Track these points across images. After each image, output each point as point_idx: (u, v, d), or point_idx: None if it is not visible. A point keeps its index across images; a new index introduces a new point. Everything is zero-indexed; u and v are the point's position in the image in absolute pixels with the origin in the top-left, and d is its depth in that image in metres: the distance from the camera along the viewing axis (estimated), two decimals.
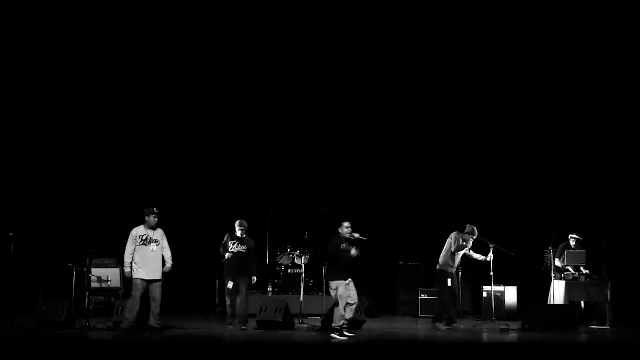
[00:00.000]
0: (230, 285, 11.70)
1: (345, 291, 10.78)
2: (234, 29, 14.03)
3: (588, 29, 13.47)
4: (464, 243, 11.97)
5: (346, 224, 10.97)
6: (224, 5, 13.61)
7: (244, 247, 11.82)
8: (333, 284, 10.84)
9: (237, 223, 11.91)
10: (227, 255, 11.77)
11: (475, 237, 12.01)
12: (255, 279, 11.93)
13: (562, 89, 14.23)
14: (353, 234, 10.97)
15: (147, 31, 13.89)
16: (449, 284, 11.87)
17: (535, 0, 13.43)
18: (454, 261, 11.98)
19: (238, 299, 11.72)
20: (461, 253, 12.02)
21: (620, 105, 13.92)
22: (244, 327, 11.65)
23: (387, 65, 14.48)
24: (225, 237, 11.92)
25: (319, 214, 14.30)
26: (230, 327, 11.71)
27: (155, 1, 13.52)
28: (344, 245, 10.87)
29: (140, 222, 11.39)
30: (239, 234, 11.87)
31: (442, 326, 11.78)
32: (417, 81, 14.60)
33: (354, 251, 10.80)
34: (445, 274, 11.91)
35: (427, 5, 13.57)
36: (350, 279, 10.91)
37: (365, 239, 10.95)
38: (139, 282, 11.16)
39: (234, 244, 11.81)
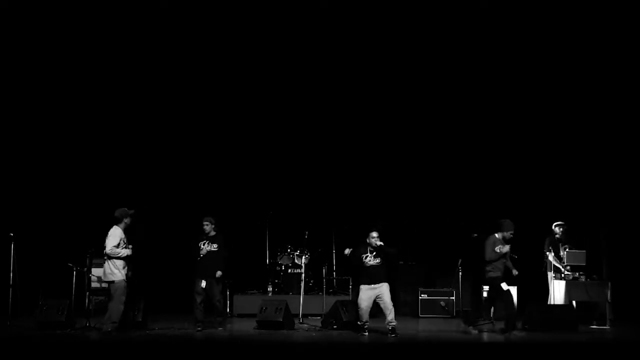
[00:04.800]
0: (203, 284, 11.53)
1: (364, 294, 11.07)
2: (233, 27, 14.01)
3: (592, 29, 13.44)
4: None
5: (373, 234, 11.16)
6: (223, 3, 13.60)
7: (215, 246, 11.70)
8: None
9: (204, 222, 11.79)
10: (201, 254, 11.63)
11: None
12: (220, 273, 11.64)
13: (564, 94, 14.20)
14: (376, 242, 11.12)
15: (145, 30, 13.86)
16: None
17: None
18: None
19: (218, 300, 11.69)
20: None
21: (622, 111, 13.91)
22: (221, 328, 11.61)
23: (387, 64, 14.45)
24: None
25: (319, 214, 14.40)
26: (199, 329, 11.48)
27: None
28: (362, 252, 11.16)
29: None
30: (209, 232, 11.77)
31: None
32: (417, 81, 14.57)
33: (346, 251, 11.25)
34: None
35: (426, 2, 13.56)
36: (375, 284, 11.05)
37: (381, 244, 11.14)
38: (124, 284, 11.09)
39: (203, 243, 11.72)
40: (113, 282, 11.05)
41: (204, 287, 11.60)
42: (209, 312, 11.79)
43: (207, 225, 11.76)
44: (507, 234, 11.39)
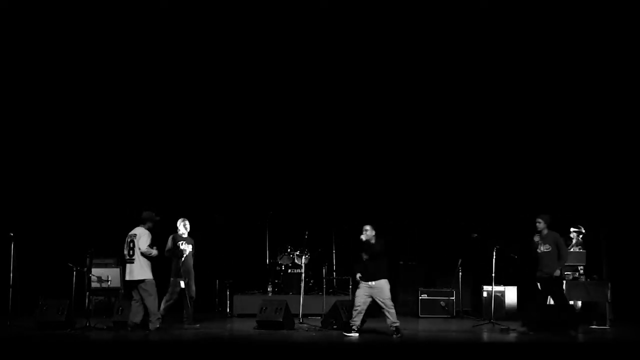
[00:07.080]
0: (182, 284, 11.89)
1: (361, 291, 10.99)
2: (234, 27, 14.02)
3: (592, 29, 13.43)
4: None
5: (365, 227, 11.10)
6: (223, 3, 13.60)
7: (190, 247, 12.10)
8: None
9: (182, 223, 12.10)
10: (184, 255, 11.92)
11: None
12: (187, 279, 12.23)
13: (564, 95, 14.19)
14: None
15: (145, 30, 13.86)
16: None
17: None
18: None
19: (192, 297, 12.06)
20: None
21: (622, 111, 13.90)
22: (197, 325, 11.91)
23: (386, 64, 14.44)
24: (170, 239, 12.04)
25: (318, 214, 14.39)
26: (197, 325, 11.90)
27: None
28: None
29: (136, 222, 11.50)
30: (185, 233, 12.11)
31: None
32: (417, 81, 14.56)
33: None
34: None
35: (426, 2, 13.56)
36: (372, 281, 10.98)
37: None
38: (154, 281, 11.43)
39: (181, 244, 12.01)
40: (144, 280, 11.28)
41: (183, 286, 11.90)
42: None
43: (185, 225, 12.09)
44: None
